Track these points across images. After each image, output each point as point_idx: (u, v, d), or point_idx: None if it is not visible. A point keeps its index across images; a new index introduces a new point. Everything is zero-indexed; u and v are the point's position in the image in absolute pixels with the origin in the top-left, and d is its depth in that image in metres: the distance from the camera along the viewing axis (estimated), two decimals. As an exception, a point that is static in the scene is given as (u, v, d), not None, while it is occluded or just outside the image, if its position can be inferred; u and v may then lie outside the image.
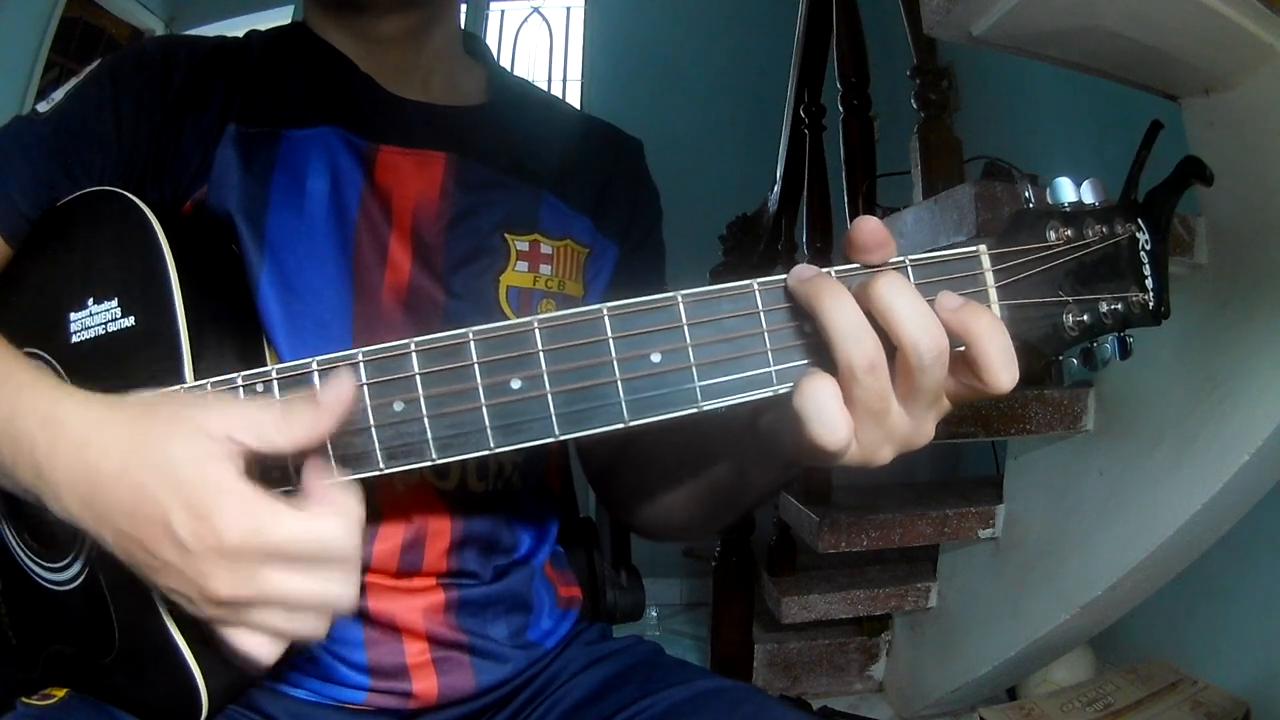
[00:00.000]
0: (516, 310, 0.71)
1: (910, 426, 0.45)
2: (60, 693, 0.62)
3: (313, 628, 0.45)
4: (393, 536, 0.66)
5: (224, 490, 0.42)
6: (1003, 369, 0.42)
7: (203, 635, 0.56)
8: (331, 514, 0.43)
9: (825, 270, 0.44)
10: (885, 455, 0.45)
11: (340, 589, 0.44)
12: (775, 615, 1.92)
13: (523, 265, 0.72)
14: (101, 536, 0.45)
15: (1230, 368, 1.29)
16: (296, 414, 0.44)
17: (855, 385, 0.42)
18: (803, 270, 0.44)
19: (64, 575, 0.59)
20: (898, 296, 0.41)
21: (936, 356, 0.42)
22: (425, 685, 0.67)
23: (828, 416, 0.42)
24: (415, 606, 0.67)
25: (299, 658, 0.66)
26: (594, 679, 0.72)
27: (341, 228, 0.67)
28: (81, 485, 0.45)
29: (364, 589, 0.66)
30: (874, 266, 0.44)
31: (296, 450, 0.45)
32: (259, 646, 0.45)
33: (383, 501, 0.66)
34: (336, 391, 0.44)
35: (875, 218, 0.43)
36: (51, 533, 0.61)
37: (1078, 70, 1.36)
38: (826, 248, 1.99)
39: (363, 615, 0.66)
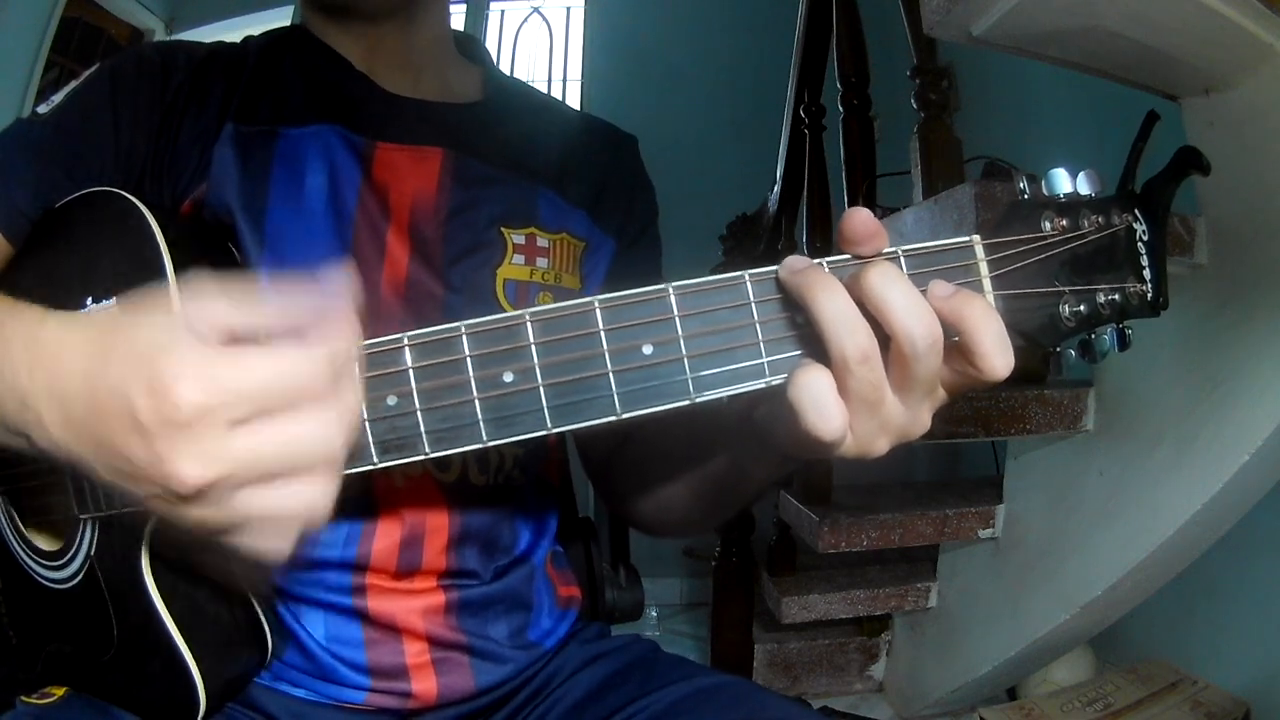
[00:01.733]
0: (514, 303, 0.71)
1: (906, 417, 0.44)
2: (59, 691, 0.62)
3: (309, 496, 0.39)
4: (391, 533, 0.67)
5: (183, 355, 0.37)
6: (997, 355, 0.42)
7: (202, 636, 0.56)
8: (299, 347, 0.38)
9: (817, 261, 0.44)
10: (881, 446, 0.45)
11: (322, 433, 0.38)
12: (775, 615, 1.92)
13: (519, 258, 0.73)
14: (84, 459, 0.41)
15: (1230, 368, 1.29)
16: (288, 292, 0.41)
17: (849, 376, 0.42)
18: (794, 262, 0.44)
19: (63, 574, 0.60)
20: (890, 286, 0.41)
21: (930, 346, 0.41)
22: (424, 685, 0.67)
23: (822, 407, 0.42)
24: (415, 607, 0.67)
25: (298, 657, 0.66)
26: (593, 677, 0.72)
27: (339, 223, 0.68)
28: (56, 395, 0.41)
29: (364, 589, 0.66)
30: (866, 257, 0.44)
31: (279, 328, 0.40)
32: (262, 541, 0.40)
33: (381, 496, 0.66)
34: (337, 282, 0.41)
35: (866, 209, 0.43)
36: (52, 531, 0.61)
37: (1078, 70, 1.36)
38: (826, 248, 1.96)
39: (362, 616, 0.66)
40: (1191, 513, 1.33)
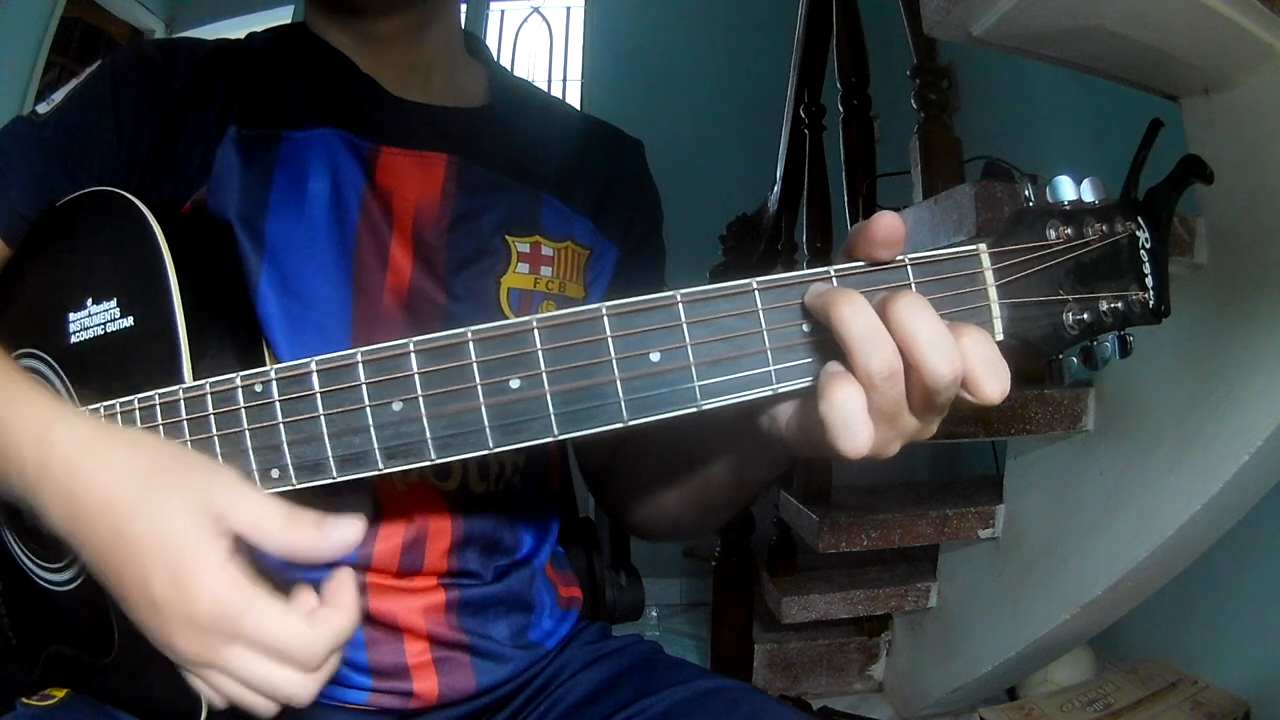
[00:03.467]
0: (517, 312, 0.71)
1: (918, 427, 0.45)
2: (60, 693, 0.62)
3: (263, 707, 0.46)
4: (394, 536, 0.66)
5: (208, 568, 0.43)
6: (990, 383, 0.42)
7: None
8: (311, 621, 0.44)
9: (826, 270, 0.44)
10: (893, 450, 0.45)
11: (296, 689, 0.45)
12: (775, 615, 1.92)
13: (524, 267, 0.72)
14: (81, 555, 0.46)
15: (1230, 368, 1.29)
16: (299, 530, 0.44)
17: (874, 392, 0.41)
18: (817, 287, 0.44)
19: (63, 576, 0.59)
20: (917, 319, 0.41)
21: (952, 381, 0.41)
22: (426, 685, 0.67)
23: (855, 427, 0.42)
24: (416, 606, 0.67)
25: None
26: (594, 678, 0.72)
27: (342, 230, 0.67)
28: (66, 509, 0.46)
29: (365, 589, 0.66)
30: (878, 264, 0.44)
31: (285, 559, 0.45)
32: (210, 695, 0.46)
33: (384, 501, 0.66)
34: (345, 535, 0.45)
35: (894, 213, 0.43)
36: (51, 534, 0.61)
37: (1078, 70, 1.36)
38: (826, 248, 1.99)
39: (363, 615, 0.66)
40: (1191, 513, 1.32)
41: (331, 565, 0.65)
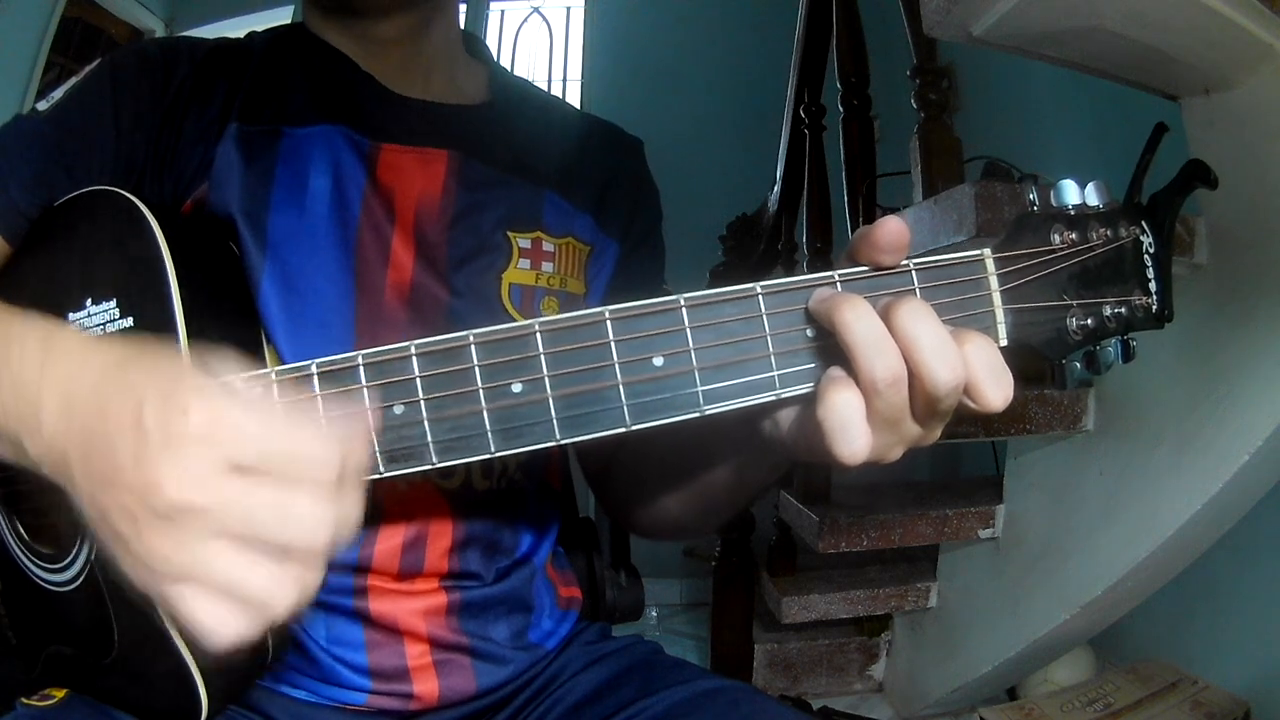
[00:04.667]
0: (519, 307, 0.71)
1: (920, 433, 0.45)
2: (60, 693, 0.62)
3: (274, 583, 0.36)
4: (393, 536, 0.66)
5: (204, 387, 0.37)
6: (994, 391, 0.42)
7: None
8: (316, 429, 0.38)
9: (830, 275, 0.44)
10: (895, 455, 0.45)
11: (312, 520, 0.36)
12: (775, 615, 1.92)
13: (525, 263, 0.72)
14: (66, 458, 0.40)
15: (1230, 368, 1.29)
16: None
17: (876, 398, 0.41)
18: (821, 292, 0.44)
19: (63, 576, 0.59)
20: (920, 325, 0.41)
21: (955, 387, 0.41)
22: (426, 687, 0.67)
23: (852, 432, 0.42)
24: (416, 609, 0.67)
25: (299, 659, 0.66)
26: (594, 679, 0.72)
27: (344, 226, 0.67)
28: (63, 388, 0.41)
29: (365, 591, 0.66)
30: (882, 269, 0.44)
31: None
32: (207, 613, 0.36)
33: (384, 500, 0.66)
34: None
35: (899, 218, 0.43)
36: (52, 534, 0.61)
37: (1078, 70, 1.36)
38: (826, 248, 1.99)
39: (363, 617, 0.66)
40: (1191, 513, 1.33)
41: (332, 567, 0.65)
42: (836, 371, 0.42)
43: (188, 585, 0.36)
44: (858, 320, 0.41)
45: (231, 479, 0.36)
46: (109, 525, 0.38)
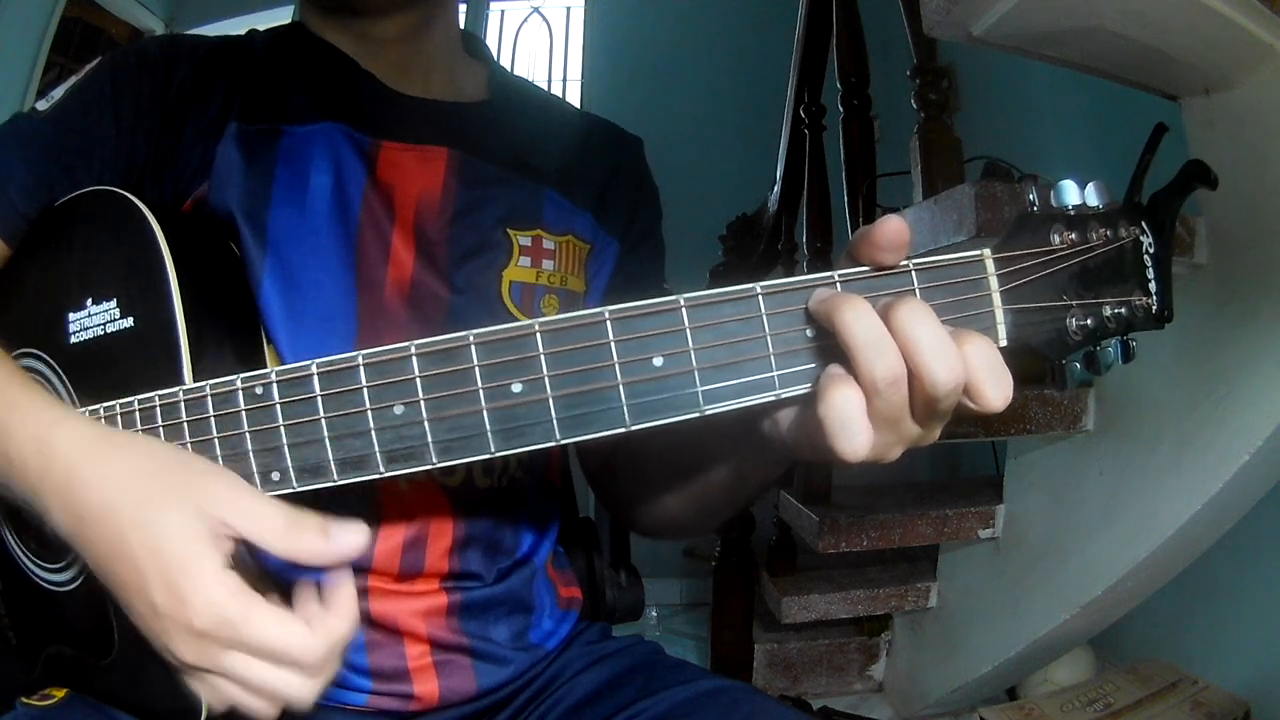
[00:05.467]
0: (519, 305, 0.71)
1: (920, 433, 0.45)
2: (60, 693, 0.62)
3: (263, 710, 0.46)
4: (394, 536, 0.66)
5: (204, 579, 0.43)
6: (993, 391, 0.42)
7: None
8: (311, 627, 0.45)
9: (830, 275, 0.44)
10: (895, 454, 0.46)
11: (298, 691, 0.45)
12: (775, 615, 1.92)
13: (525, 260, 0.72)
14: (84, 557, 0.47)
15: (1230, 368, 1.29)
16: (301, 536, 0.45)
17: (877, 397, 0.41)
18: (821, 292, 0.44)
19: (63, 576, 0.59)
20: (919, 325, 0.41)
21: (954, 388, 0.41)
22: (426, 688, 0.67)
23: (853, 429, 0.42)
24: (417, 609, 0.67)
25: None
26: (594, 679, 0.72)
27: (344, 224, 0.67)
28: (69, 514, 0.46)
29: (366, 592, 0.66)
30: (883, 269, 0.44)
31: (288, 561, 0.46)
32: (211, 698, 0.47)
33: (385, 499, 0.66)
34: (349, 540, 0.46)
35: (899, 218, 0.43)
36: (52, 534, 0.61)
37: (1078, 70, 1.36)
38: (826, 248, 1.99)
39: (364, 618, 0.66)
40: (1191, 513, 1.32)
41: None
42: (836, 369, 0.42)
43: (191, 680, 0.47)
44: (857, 320, 0.41)
45: (233, 656, 0.44)
46: (129, 612, 0.46)
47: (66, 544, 0.47)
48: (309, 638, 0.45)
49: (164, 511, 0.44)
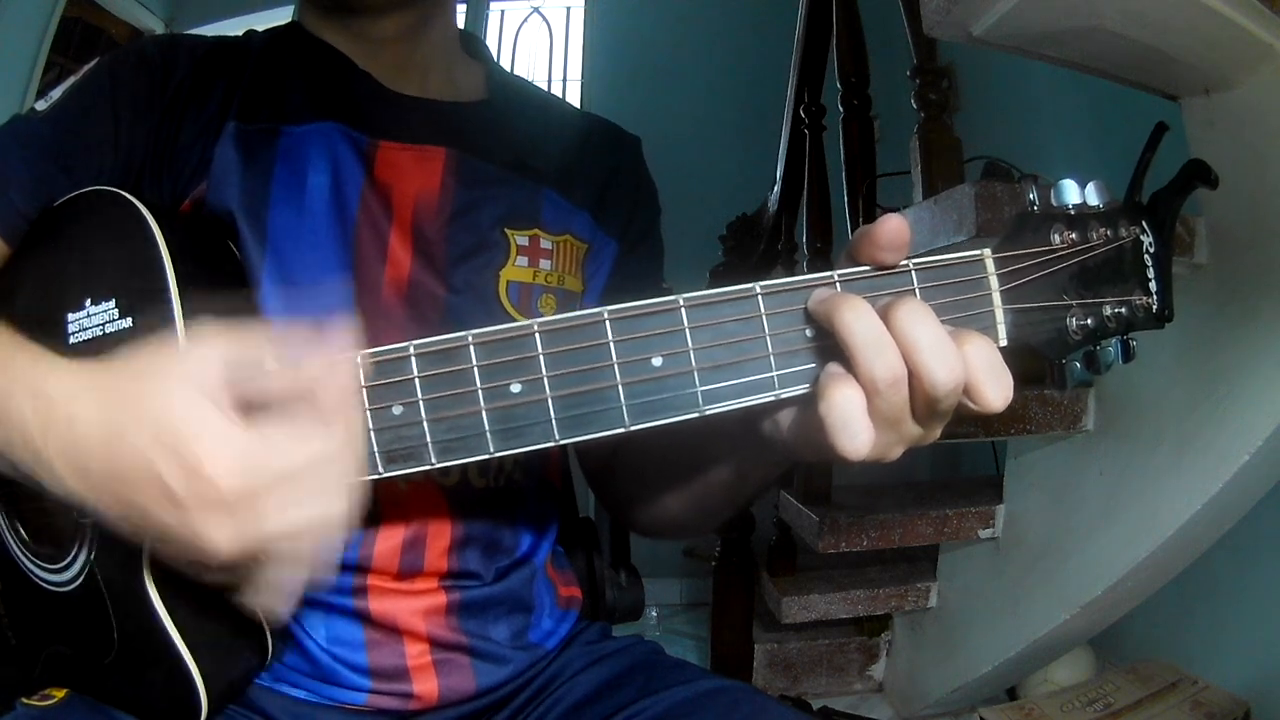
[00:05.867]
0: (517, 305, 0.71)
1: (920, 433, 0.45)
2: (60, 693, 0.62)
3: (324, 554, 0.43)
4: (393, 536, 0.66)
5: (209, 435, 0.40)
6: (994, 392, 0.42)
7: (203, 638, 0.56)
8: (322, 424, 0.42)
9: (829, 274, 0.44)
10: (895, 454, 0.46)
11: (342, 501, 0.42)
12: (775, 615, 1.92)
13: (523, 260, 0.72)
14: (101, 511, 0.44)
15: (1230, 368, 1.29)
16: (293, 338, 0.43)
17: (877, 397, 0.41)
18: (820, 293, 0.44)
19: (63, 576, 0.59)
20: (918, 325, 0.41)
21: (954, 388, 0.41)
22: (426, 687, 0.67)
23: (854, 427, 0.42)
24: (416, 608, 0.67)
25: (299, 659, 0.66)
26: (594, 679, 0.72)
27: (342, 223, 0.67)
28: (73, 458, 0.43)
29: (365, 590, 0.66)
30: (883, 269, 0.44)
31: (283, 395, 0.43)
32: (272, 598, 0.44)
33: (383, 500, 0.66)
34: (341, 328, 0.43)
35: (900, 216, 0.43)
36: (52, 533, 0.61)
37: (1078, 70, 1.36)
38: (826, 248, 1.99)
39: (363, 617, 0.66)
40: (1191, 513, 1.32)
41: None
42: (836, 367, 0.42)
43: (246, 588, 0.44)
44: (857, 320, 0.41)
45: (271, 513, 0.41)
46: (165, 558, 0.45)
47: (76, 502, 0.44)
48: (329, 435, 0.42)
49: (149, 396, 0.42)
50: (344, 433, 0.42)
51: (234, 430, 0.41)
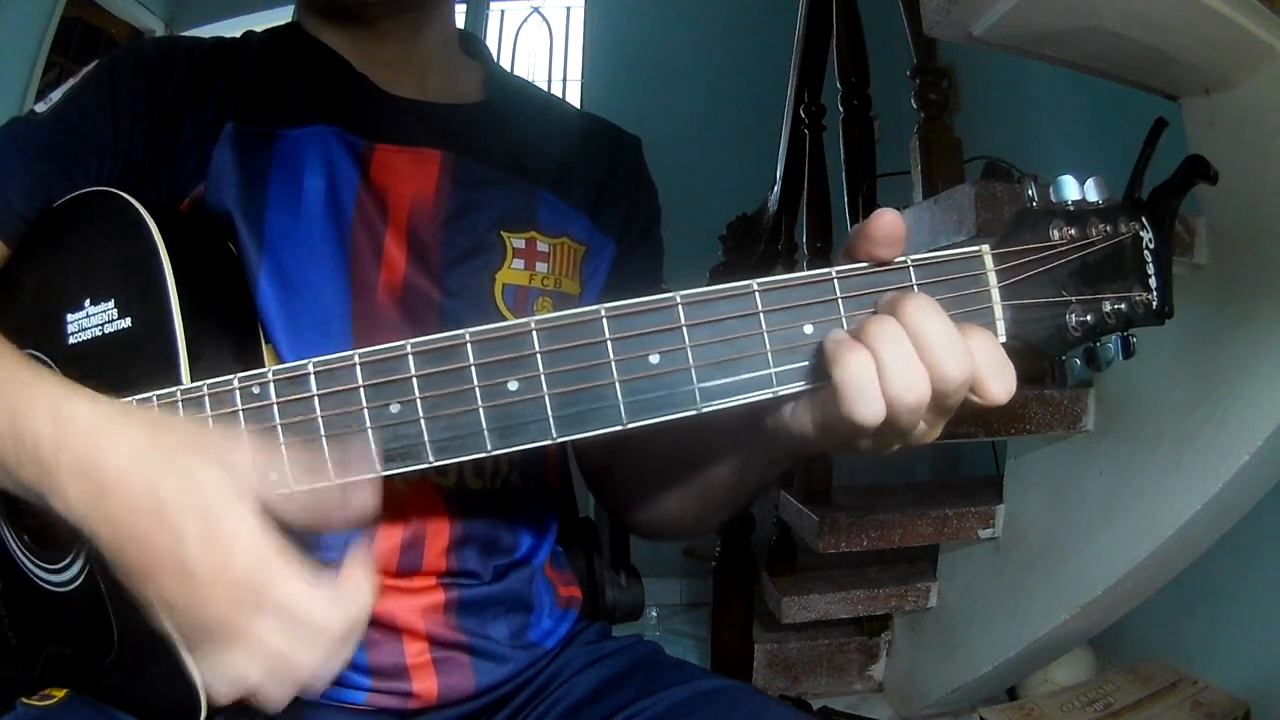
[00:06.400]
0: (513, 308, 0.71)
1: (924, 430, 0.45)
2: (60, 693, 0.62)
3: (277, 693, 0.44)
4: (392, 535, 0.66)
5: (244, 524, 0.42)
6: (997, 385, 0.42)
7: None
8: (336, 601, 0.44)
9: (826, 271, 0.44)
10: (895, 448, 0.46)
11: (315, 665, 0.44)
12: (775, 615, 1.92)
13: (519, 263, 0.72)
14: (98, 535, 0.44)
15: (1230, 368, 1.29)
16: (320, 493, 0.45)
17: (898, 419, 0.42)
18: (837, 333, 0.44)
19: (63, 576, 0.59)
20: (928, 321, 0.41)
21: (962, 383, 0.42)
22: (425, 685, 0.67)
23: (869, 393, 0.41)
24: (415, 606, 0.67)
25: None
26: (594, 679, 0.72)
27: (338, 227, 0.67)
28: (87, 482, 0.44)
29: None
30: (881, 265, 0.44)
31: (304, 525, 0.45)
32: (222, 682, 0.44)
33: (383, 500, 0.66)
34: (363, 495, 0.45)
35: (894, 210, 0.43)
36: (52, 534, 0.61)
37: (1078, 70, 1.36)
38: (826, 248, 1.99)
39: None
40: (1191, 513, 1.32)
41: (330, 566, 0.65)
42: (840, 333, 0.43)
43: (205, 653, 0.45)
44: (862, 369, 0.41)
45: (261, 617, 0.42)
46: (144, 594, 0.45)
47: (75, 526, 0.45)
48: (333, 608, 0.43)
49: (198, 462, 0.43)
50: (350, 623, 0.44)
51: (269, 536, 0.43)
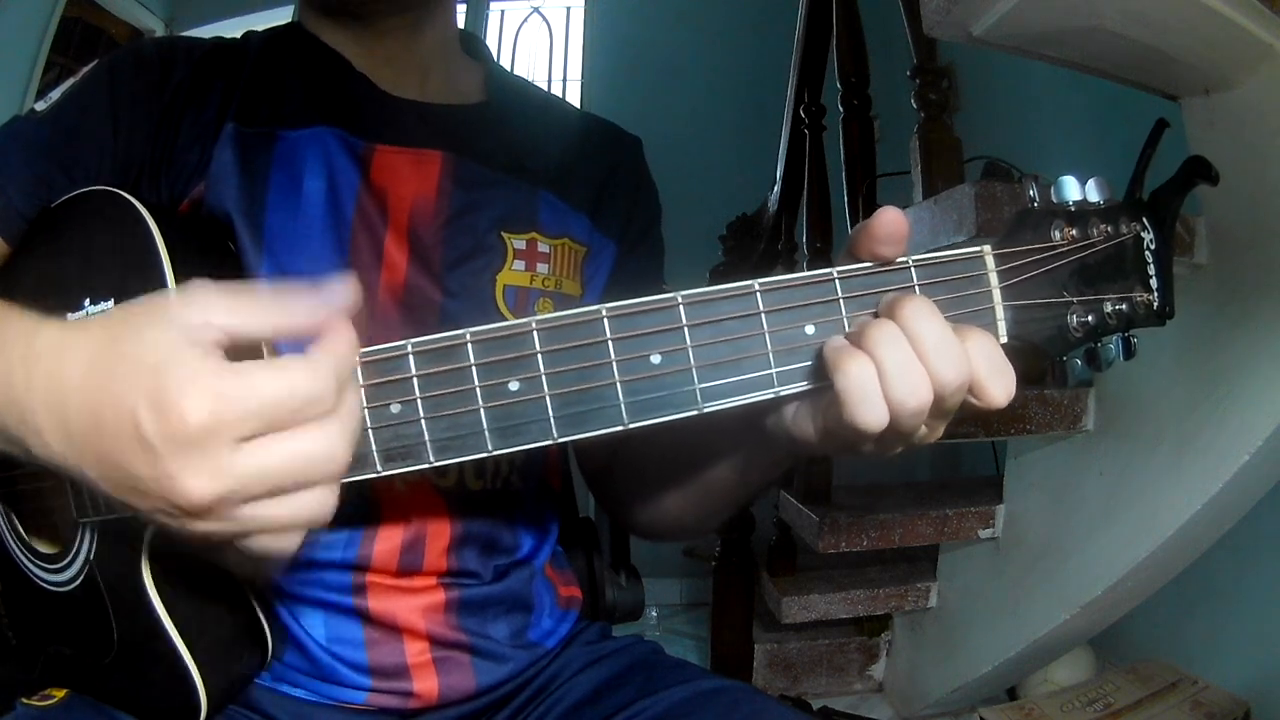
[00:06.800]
0: (513, 309, 0.71)
1: (924, 433, 0.45)
2: (60, 693, 0.62)
3: (313, 505, 0.39)
4: (392, 536, 0.66)
5: (189, 374, 0.37)
6: (997, 388, 0.42)
7: (202, 638, 0.56)
8: (304, 360, 0.39)
9: (826, 272, 0.44)
10: (896, 450, 0.46)
11: (327, 446, 0.39)
12: (775, 615, 1.92)
13: (520, 264, 0.72)
14: (84, 471, 0.41)
15: (1230, 368, 1.29)
16: (287, 297, 0.41)
17: (900, 423, 0.42)
18: (835, 340, 0.44)
19: (63, 576, 0.59)
20: (925, 323, 0.41)
21: (960, 387, 0.42)
22: (426, 685, 0.67)
23: (873, 399, 0.41)
24: (416, 606, 0.67)
25: (299, 658, 0.66)
26: (594, 679, 0.72)
27: (337, 227, 0.67)
28: (56, 408, 0.40)
29: (364, 588, 0.66)
30: (883, 262, 0.44)
31: (280, 335, 0.40)
32: (268, 543, 0.40)
33: (382, 500, 0.66)
34: (340, 290, 0.42)
35: (896, 208, 0.43)
36: (51, 534, 0.61)
37: (1078, 70, 1.37)
38: (826, 248, 1.99)
39: (363, 615, 0.66)
40: (1191, 513, 1.33)
41: (331, 565, 0.65)
42: (838, 340, 0.42)
43: (240, 541, 0.40)
44: (863, 377, 0.41)
45: (244, 452, 0.37)
46: (150, 518, 0.41)
47: (59, 467, 0.42)
48: (312, 369, 0.38)
49: (140, 336, 0.39)
50: (329, 369, 0.39)
51: (211, 365, 0.38)
